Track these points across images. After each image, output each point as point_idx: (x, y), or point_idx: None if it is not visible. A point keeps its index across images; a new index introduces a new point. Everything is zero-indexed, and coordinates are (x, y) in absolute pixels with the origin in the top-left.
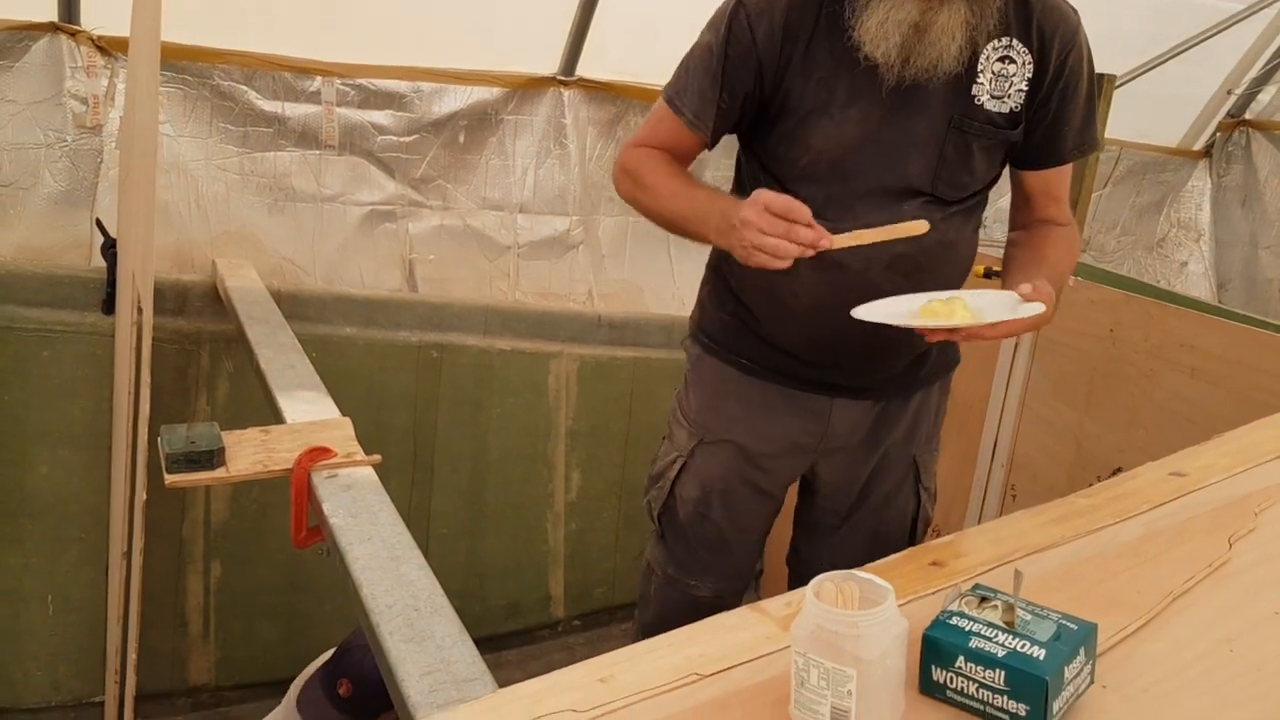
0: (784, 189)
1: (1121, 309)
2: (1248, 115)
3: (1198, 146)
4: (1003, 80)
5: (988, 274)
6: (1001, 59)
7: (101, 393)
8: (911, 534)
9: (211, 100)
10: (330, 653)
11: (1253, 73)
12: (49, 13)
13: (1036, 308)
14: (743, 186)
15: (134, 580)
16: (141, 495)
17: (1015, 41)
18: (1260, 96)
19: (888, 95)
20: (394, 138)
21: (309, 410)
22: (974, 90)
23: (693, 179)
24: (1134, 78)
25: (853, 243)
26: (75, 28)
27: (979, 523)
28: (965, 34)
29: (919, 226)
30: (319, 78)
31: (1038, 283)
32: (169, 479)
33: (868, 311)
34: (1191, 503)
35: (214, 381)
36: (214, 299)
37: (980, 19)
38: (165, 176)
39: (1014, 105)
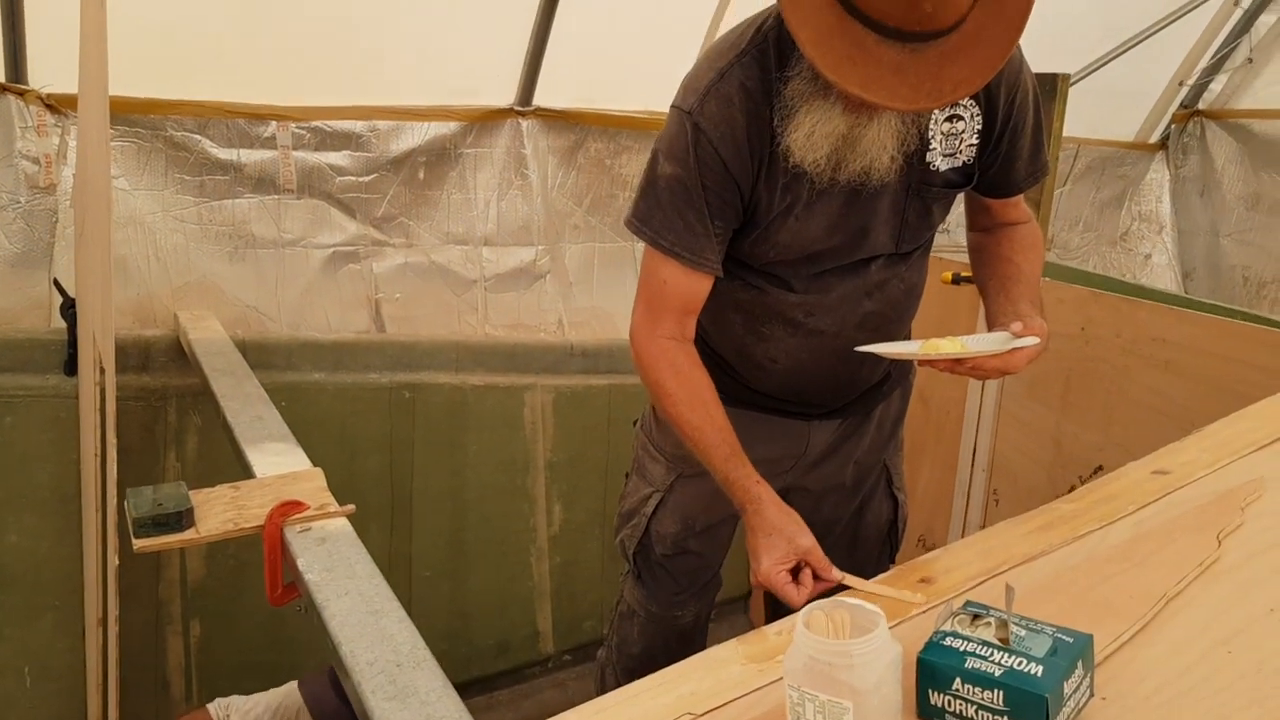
0: (753, 272)
1: (1091, 306)
2: (1201, 105)
3: (1154, 139)
4: (953, 139)
5: (955, 280)
6: (950, 119)
7: (68, 456)
8: (891, 534)
9: (166, 151)
10: None
11: (1203, 63)
12: None
13: (1030, 340)
14: None
15: (111, 647)
16: (114, 561)
17: None
18: (1211, 86)
19: (846, 186)
20: (353, 178)
21: (279, 463)
22: (928, 157)
23: (729, 429)
24: (1087, 75)
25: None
26: (23, 87)
27: (964, 529)
28: (896, 144)
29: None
30: (274, 122)
31: (1028, 320)
32: (137, 544)
33: (873, 347)
34: (1177, 500)
35: (182, 437)
36: (178, 353)
37: (910, 126)
38: (122, 231)
39: (967, 159)
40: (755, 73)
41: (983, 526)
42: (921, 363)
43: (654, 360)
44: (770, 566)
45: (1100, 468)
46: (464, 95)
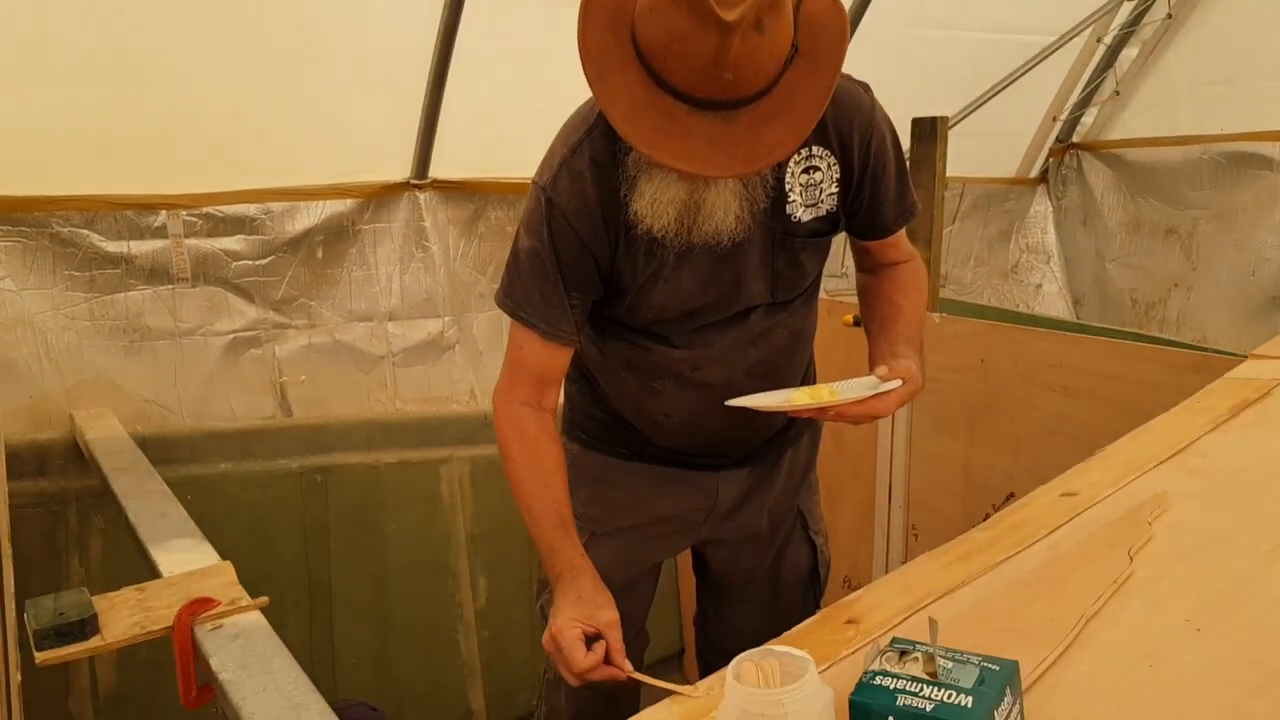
0: (636, 332)
1: (987, 338)
2: (1075, 139)
3: (1034, 174)
4: (812, 189)
5: (856, 322)
6: (806, 170)
7: None
8: (813, 579)
9: (53, 248)
10: None
11: (1073, 98)
12: None
13: (894, 384)
14: (598, 326)
15: None
16: (16, 677)
17: (814, 148)
18: (1084, 120)
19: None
20: (249, 262)
21: (186, 560)
22: (788, 209)
23: (565, 501)
24: (964, 117)
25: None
26: None
27: (886, 567)
28: (740, 205)
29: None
30: (163, 211)
31: (894, 362)
32: (39, 657)
33: (739, 400)
34: (1087, 521)
35: (85, 541)
36: (75, 454)
37: (755, 186)
38: (11, 333)
39: (830, 208)
40: (604, 145)
41: (904, 562)
42: (790, 413)
43: (504, 424)
44: (566, 622)
45: (1012, 495)
46: (359, 172)
